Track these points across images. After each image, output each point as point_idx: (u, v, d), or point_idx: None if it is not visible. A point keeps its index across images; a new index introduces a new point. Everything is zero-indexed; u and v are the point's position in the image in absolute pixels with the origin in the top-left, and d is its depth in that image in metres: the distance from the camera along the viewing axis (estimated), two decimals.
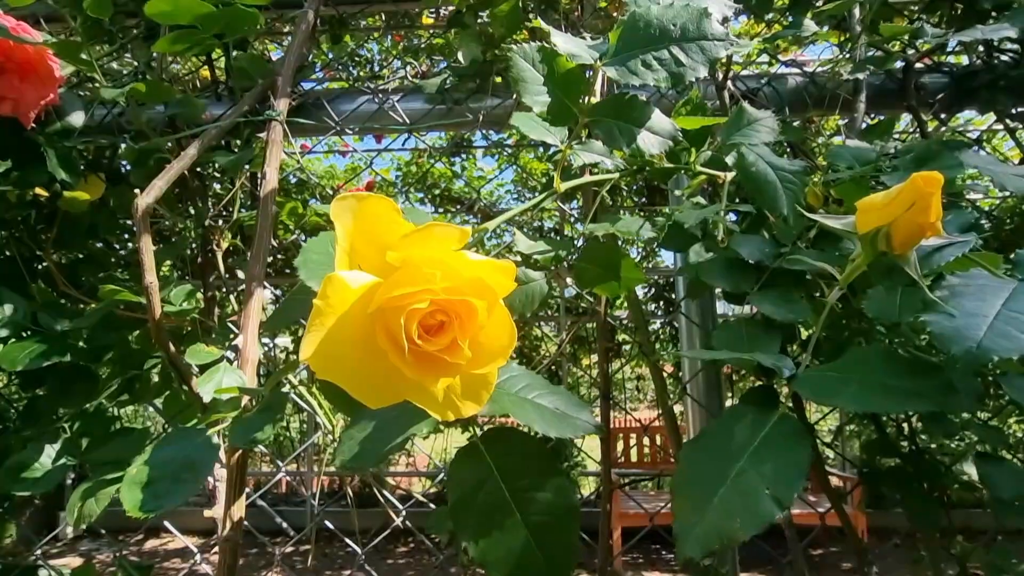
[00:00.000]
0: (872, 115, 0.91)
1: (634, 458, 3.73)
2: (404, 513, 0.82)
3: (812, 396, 0.31)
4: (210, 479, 0.85)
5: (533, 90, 0.40)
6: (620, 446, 3.67)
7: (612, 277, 0.53)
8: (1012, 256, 0.32)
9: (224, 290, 0.97)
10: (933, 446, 0.82)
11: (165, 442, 0.55)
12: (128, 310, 0.85)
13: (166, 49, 0.78)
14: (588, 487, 4.03)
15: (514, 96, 0.89)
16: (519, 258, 0.56)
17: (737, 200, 0.59)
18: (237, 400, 0.63)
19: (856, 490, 2.65)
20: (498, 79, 0.96)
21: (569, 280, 0.59)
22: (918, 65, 0.87)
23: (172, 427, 0.85)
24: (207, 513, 0.69)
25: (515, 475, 0.39)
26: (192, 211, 0.92)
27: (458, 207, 3.68)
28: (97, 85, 0.78)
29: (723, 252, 0.57)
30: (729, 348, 0.51)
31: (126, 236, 1.04)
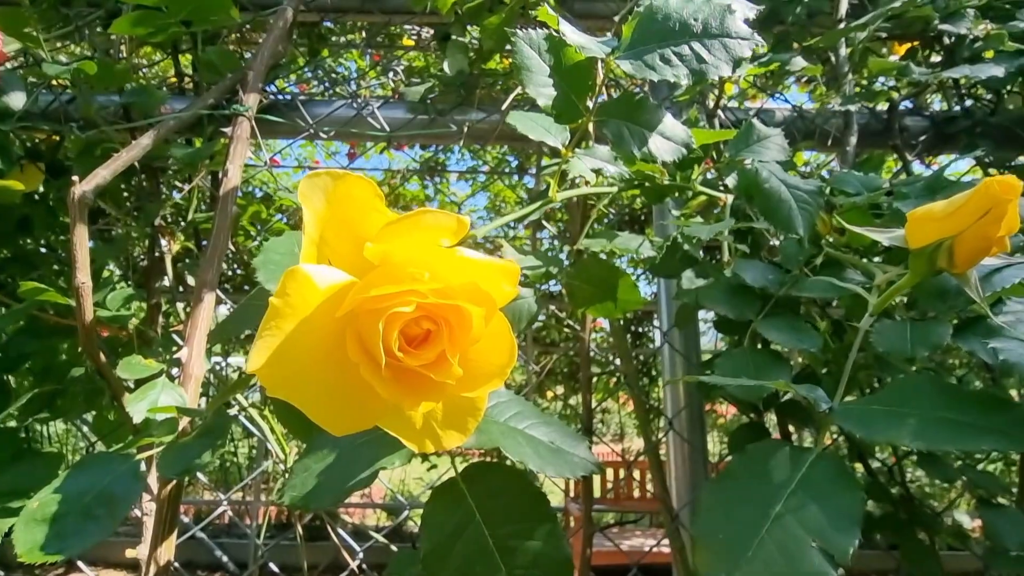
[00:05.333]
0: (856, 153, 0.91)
1: (596, 493, 3.63)
2: (361, 555, 0.73)
3: (862, 432, 0.27)
4: (137, 511, 0.74)
5: (538, 81, 0.36)
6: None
7: (608, 298, 0.49)
8: None
9: (172, 298, 0.89)
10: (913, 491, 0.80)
11: (79, 469, 0.46)
12: (58, 316, 0.76)
13: (126, 30, 0.72)
14: None
15: (504, 107, 0.86)
16: None
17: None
18: (174, 422, 0.54)
19: None
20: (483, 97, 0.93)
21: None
22: (902, 107, 0.89)
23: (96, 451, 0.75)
24: (130, 553, 0.60)
25: (501, 520, 0.33)
26: (141, 209, 0.84)
27: None
28: (42, 63, 0.71)
29: (724, 278, 0.54)
30: (736, 377, 0.47)
31: (64, 236, 0.95)
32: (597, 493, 3.63)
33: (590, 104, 0.38)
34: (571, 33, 0.37)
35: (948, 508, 0.66)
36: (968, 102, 0.94)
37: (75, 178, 0.59)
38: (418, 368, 0.25)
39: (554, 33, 0.37)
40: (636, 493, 3.74)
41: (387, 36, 1.83)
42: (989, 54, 0.82)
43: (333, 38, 1.63)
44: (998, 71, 0.65)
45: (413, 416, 0.28)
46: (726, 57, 0.34)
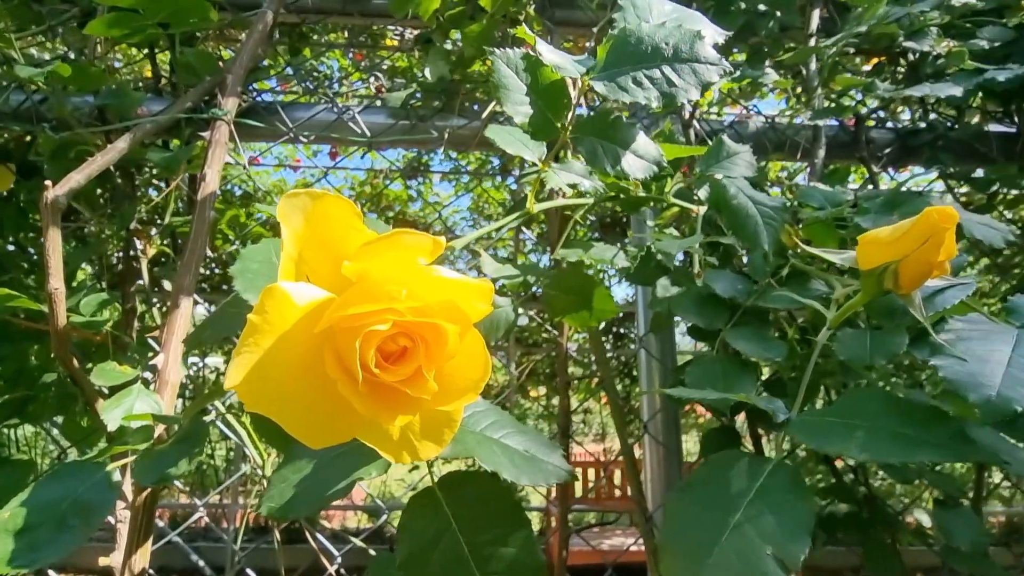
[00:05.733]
0: (825, 164, 0.94)
1: (579, 492, 3.66)
2: (339, 559, 0.73)
3: (813, 443, 0.28)
4: (111, 517, 0.73)
5: (515, 99, 0.37)
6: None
7: (584, 307, 0.50)
8: (1007, 303, 0.31)
9: (151, 302, 0.87)
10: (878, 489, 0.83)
11: (52, 478, 0.46)
12: (30, 320, 0.74)
13: (101, 32, 0.71)
14: (532, 524, 3.91)
15: (484, 116, 0.87)
16: None
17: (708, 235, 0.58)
18: (149, 430, 0.54)
19: None
20: (466, 102, 0.94)
21: (520, 309, 0.56)
22: (869, 121, 0.92)
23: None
24: (103, 561, 0.59)
25: (477, 527, 0.34)
26: (116, 211, 0.83)
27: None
28: (14, 64, 0.69)
29: (695, 287, 0.56)
30: (704, 386, 0.48)
31: (35, 235, 0.93)
32: (580, 493, 3.65)
33: (566, 121, 0.39)
34: (548, 53, 0.38)
35: (910, 507, 0.69)
36: (932, 116, 0.98)
37: (48, 183, 0.58)
38: (395, 384, 0.25)
39: (531, 52, 0.38)
40: (617, 493, 3.78)
41: (370, 36, 1.82)
42: (953, 69, 0.85)
43: (315, 37, 1.62)
44: (956, 91, 0.68)
45: (390, 428, 0.29)
46: (695, 81, 0.36)
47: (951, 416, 0.26)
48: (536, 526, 3.87)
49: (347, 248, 0.27)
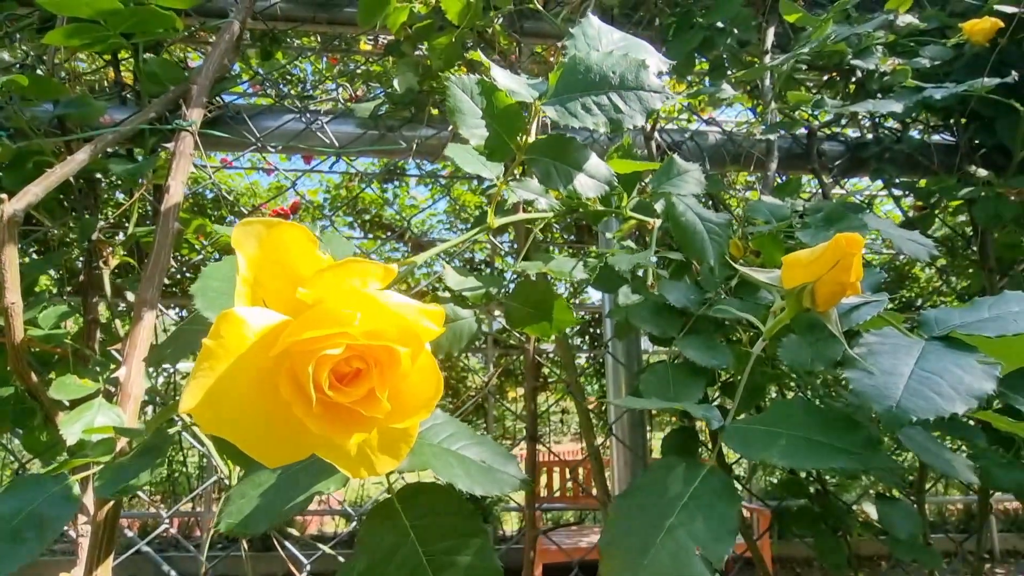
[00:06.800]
0: (780, 174, 0.98)
1: (556, 487, 3.71)
2: (308, 567, 0.74)
3: (742, 451, 0.31)
4: (72, 532, 0.72)
5: (471, 122, 0.39)
6: (543, 479, 3.65)
7: (544, 318, 0.52)
8: (918, 316, 0.34)
9: (115, 313, 0.86)
10: (832, 481, 0.87)
11: (8, 492, 0.46)
12: None
13: (60, 42, 0.70)
14: (511, 523, 3.94)
15: (450, 128, 0.88)
16: (448, 294, 0.54)
17: (667, 245, 0.60)
18: (111, 443, 0.54)
19: (762, 521, 2.79)
20: (435, 111, 0.95)
21: (497, 313, 0.58)
22: (820, 133, 0.97)
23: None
24: None
25: (434, 537, 0.35)
26: (78, 220, 0.81)
27: (388, 234, 3.61)
28: None
29: (651, 297, 0.58)
30: (656, 392, 0.51)
31: None
32: (558, 492, 3.68)
33: (521, 142, 0.40)
34: (502, 78, 0.39)
35: (856, 502, 0.73)
36: (881, 130, 1.03)
37: (4, 196, 0.57)
38: (349, 404, 0.27)
39: (485, 78, 0.40)
40: (595, 491, 3.82)
41: (343, 41, 1.81)
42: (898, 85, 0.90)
43: (287, 41, 1.60)
44: (897, 107, 0.72)
45: (347, 445, 0.30)
46: (640, 108, 0.38)
47: (862, 424, 0.29)
48: (516, 525, 3.90)
49: (303, 272, 0.28)
